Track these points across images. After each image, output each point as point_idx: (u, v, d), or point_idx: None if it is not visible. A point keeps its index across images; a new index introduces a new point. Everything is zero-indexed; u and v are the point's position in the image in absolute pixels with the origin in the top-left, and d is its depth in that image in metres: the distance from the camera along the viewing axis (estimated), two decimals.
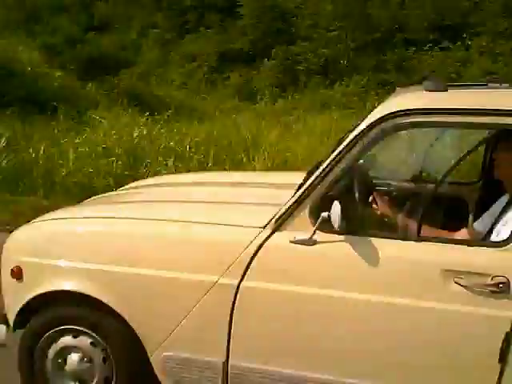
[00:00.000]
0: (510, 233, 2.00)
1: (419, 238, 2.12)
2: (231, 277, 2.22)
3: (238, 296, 2.22)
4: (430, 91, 2.23)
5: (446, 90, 2.25)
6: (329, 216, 2.07)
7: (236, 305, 2.22)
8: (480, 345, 1.99)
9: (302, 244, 2.18)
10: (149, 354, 2.37)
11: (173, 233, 2.43)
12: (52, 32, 14.38)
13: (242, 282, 2.21)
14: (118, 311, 2.39)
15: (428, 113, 2.18)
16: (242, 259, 2.21)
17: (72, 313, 2.52)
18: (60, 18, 15.29)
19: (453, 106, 2.19)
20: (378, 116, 2.17)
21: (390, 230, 2.44)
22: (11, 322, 2.57)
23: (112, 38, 15.44)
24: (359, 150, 2.17)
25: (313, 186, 2.19)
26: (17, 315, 2.54)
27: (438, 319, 2.04)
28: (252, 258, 2.21)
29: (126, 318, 2.39)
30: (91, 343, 2.46)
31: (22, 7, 14.80)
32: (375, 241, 2.13)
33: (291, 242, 2.19)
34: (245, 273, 2.21)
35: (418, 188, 2.91)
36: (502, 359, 1.94)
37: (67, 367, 2.49)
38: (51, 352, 2.50)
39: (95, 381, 2.47)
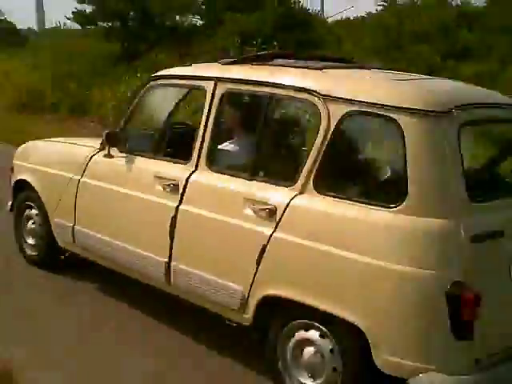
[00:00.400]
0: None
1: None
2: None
3: None
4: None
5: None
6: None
7: None
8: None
9: (104, 157, 3.79)
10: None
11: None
12: (410, 60, 14.61)
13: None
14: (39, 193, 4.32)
15: (169, 78, 3.76)
16: None
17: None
18: (420, 45, 15.45)
19: (179, 73, 3.77)
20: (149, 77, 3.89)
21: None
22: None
23: (471, 66, 14.86)
24: (137, 98, 3.84)
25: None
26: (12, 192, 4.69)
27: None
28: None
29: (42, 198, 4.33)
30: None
31: (386, 34, 15.48)
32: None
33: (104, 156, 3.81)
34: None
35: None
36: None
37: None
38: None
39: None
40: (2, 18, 29.86)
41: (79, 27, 18.47)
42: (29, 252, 4.68)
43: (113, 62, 16.00)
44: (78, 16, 17.25)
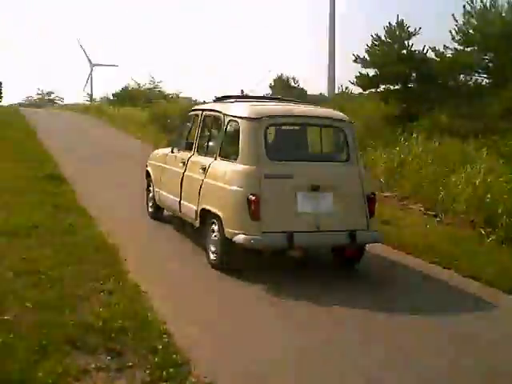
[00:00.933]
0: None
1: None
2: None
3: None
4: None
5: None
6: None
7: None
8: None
9: (170, 153, 7.98)
10: None
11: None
12: None
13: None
14: (151, 175, 8.66)
15: (191, 111, 8.05)
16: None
17: None
18: None
19: (194, 108, 8.10)
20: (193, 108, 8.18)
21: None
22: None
23: None
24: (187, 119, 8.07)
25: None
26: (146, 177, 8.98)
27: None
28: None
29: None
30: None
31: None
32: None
33: (170, 152, 8.01)
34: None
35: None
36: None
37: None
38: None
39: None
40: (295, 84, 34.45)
41: (361, 90, 20.31)
42: (149, 209, 8.66)
43: (389, 123, 16.29)
44: (361, 79, 18.64)
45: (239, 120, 6.03)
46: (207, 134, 7.05)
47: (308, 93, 33.09)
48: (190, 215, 6.69)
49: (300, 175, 5.73)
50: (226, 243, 5.73)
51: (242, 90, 18.68)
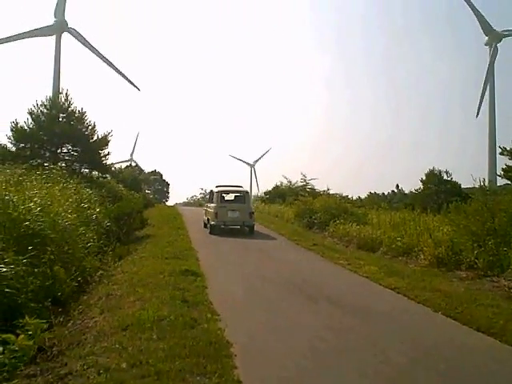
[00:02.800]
0: None
1: None
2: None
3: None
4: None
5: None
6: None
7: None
8: None
9: (207, 203, 25.50)
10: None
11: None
12: None
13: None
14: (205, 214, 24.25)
15: (210, 191, 25.63)
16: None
17: None
18: None
19: (212, 189, 24.36)
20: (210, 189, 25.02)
21: None
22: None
23: None
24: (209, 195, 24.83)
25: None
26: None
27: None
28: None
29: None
30: None
31: None
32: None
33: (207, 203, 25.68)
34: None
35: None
36: None
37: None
38: None
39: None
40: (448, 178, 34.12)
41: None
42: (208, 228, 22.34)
43: None
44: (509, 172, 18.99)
45: (214, 191, 22.71)
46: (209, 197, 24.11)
47: (462, 186, 31.90)
48: (205, 221, 23.16)
49: (229, 206, 22.03)
50: (211, 225, 21.68)
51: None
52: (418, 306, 9.47)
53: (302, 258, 15.62)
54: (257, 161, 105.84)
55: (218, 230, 21.47)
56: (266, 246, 18.10)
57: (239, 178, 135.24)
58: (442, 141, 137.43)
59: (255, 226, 23.05)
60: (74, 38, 49.81)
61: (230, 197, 23.68)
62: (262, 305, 9.17)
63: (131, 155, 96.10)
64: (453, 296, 10.03)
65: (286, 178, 44.98)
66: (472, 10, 54.56)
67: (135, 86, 55.14)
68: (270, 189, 47.62)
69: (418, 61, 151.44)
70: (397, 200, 43.81)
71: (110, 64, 52.25)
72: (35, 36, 49.60)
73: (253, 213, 22.61)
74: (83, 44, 50.20)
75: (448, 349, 7.02)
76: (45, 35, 49.86)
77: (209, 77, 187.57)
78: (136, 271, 11.44)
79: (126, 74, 53.47)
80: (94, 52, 51.07)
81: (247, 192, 24.30)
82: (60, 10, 49.05)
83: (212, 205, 22.27)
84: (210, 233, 21.41)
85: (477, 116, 56.04)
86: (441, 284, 11.49)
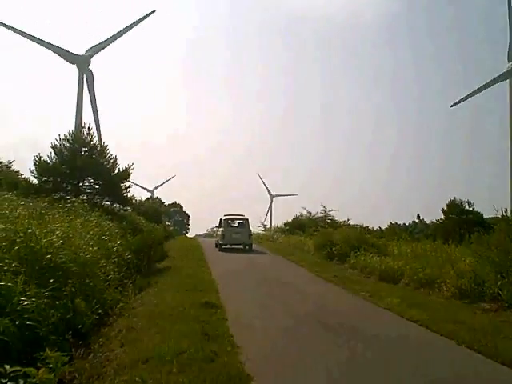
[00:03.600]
0: None
1: None
2: None
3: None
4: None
5: None
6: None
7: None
8: None
9: (217, 228, 40.17)
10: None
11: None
12: None
13: None
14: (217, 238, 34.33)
15: (220, 220, 33.97)
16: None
17: None
18: None
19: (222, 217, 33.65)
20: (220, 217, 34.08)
21: None
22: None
23: None
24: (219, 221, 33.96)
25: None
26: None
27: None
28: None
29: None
30: None
31: None
32: None
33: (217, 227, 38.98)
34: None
35: None
36: None
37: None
38: None
39: None
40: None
41: None
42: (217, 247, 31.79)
43: None
44: None
45: (223, 218, 32.21)
46: (219, 223, 34.01)
47: (484, 216, 31.54)
48: (216, 242, 32.82)
49: (233, 230, 31.81)
50: (220, 244, 31.14)
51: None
52: (442, 338, 9.30)
53: (322, 290, 15.47)
54: (276, 195, 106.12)
55: (226, 247, 31.19)
56: (286, 278, 17.95)
57: (257, 210, 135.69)
58: (465, 171, 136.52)
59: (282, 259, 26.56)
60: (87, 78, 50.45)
61: (235, 223, 32.87)
62: (283, 337, 9.10)
63: (153, 190, 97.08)
64: (477, 328, 9.85)
65: (305, 209, 45.09)
66: None
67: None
68: (289, 220, 47.62)
69: (433, 92, 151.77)
70: (418, 230, 43.39)
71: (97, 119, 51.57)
72: (61, 55, 50.09)
73: (251, 234, 32.77)
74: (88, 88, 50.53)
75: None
76: (69, 61, 50.55)
77: (227, 107, 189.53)
78: (156, 303, 11.45)
79: None
80: (90, 97, 51.22)
81: (247, 219, 32.93)
82: (94, 50, 50.20)
83: (220, 229, 32.07)
84: (220, 250, 30.70)
85: None
86: (464, 316, 11.31)
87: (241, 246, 31.13)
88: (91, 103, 49.87)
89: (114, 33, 51.74)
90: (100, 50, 51.20)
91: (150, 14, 53.03)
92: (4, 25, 47.55)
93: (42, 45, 49.34)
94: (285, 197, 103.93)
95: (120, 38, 52.07)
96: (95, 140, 28.16)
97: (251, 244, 31.70)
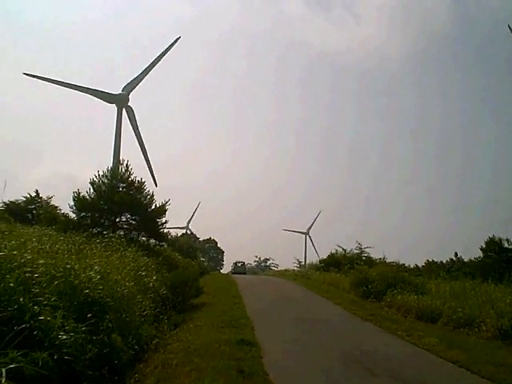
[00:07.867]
0: None
1: None
2: None
3: None
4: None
5: None
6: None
7: None
8: None
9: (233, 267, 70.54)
10: None
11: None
12: None
13: None
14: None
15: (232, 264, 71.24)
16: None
17: None
18: None
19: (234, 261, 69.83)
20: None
21: None
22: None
23: None
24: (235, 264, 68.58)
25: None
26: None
27: None
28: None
29: None
30: None
31: None
32: None
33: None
34: None
35: None
36: None
37: None
38: None
39: None
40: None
41: None
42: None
43: None
44: None
45: (234, 261, 68.75)
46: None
47: None
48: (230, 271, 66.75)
49: (237, 266, 66.20)
50: (231, 272, 62.74)
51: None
52: (482, 380, 9.06)
53: (359, 329, 15.20)
54: (310, 227, 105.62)
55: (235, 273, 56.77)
56: (322, 315, 17.73)
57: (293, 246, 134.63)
58: (504, 209, 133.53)
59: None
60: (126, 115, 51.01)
61: (239, 263, 66.32)
62: (319, 378, 8.97)
63: (188, 223, 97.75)
64: None
65: (340, 246, 44.73)
66: None
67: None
68: (324, 257, 47.26)
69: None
70: (456, 268, 42.35)
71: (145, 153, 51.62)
72: (99, 98, 51.01)
73: (245, 267, 67.71)
74: (131, 124, 50.79)
75: None
76: (107, 101, 51.44)
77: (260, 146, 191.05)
78: (192, 340, 11.45)
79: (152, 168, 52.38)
80: (135, 133, 51.02)
81: (244, 262, 69.53)
82: (130, 86, 51.22)
83: (232, 265, 66.65)
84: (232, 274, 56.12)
85: None
86: (505, 357, 11.04)
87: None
88: (137, 139, 50.17)
89: (146, 66, 52.15)
90: (136, 86, 52.02)
91: (176, 41, 52.85)
92: (48, 79, 48.87)
93: (81, 90, 50.53)
94: (322, 232, 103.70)
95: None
96: (133, 176, 28.67)
97: (245, 272, 63.12)
